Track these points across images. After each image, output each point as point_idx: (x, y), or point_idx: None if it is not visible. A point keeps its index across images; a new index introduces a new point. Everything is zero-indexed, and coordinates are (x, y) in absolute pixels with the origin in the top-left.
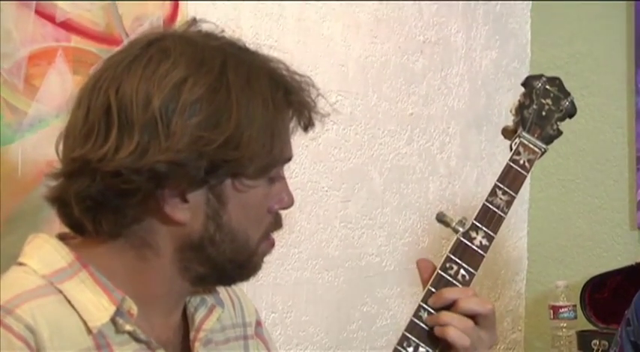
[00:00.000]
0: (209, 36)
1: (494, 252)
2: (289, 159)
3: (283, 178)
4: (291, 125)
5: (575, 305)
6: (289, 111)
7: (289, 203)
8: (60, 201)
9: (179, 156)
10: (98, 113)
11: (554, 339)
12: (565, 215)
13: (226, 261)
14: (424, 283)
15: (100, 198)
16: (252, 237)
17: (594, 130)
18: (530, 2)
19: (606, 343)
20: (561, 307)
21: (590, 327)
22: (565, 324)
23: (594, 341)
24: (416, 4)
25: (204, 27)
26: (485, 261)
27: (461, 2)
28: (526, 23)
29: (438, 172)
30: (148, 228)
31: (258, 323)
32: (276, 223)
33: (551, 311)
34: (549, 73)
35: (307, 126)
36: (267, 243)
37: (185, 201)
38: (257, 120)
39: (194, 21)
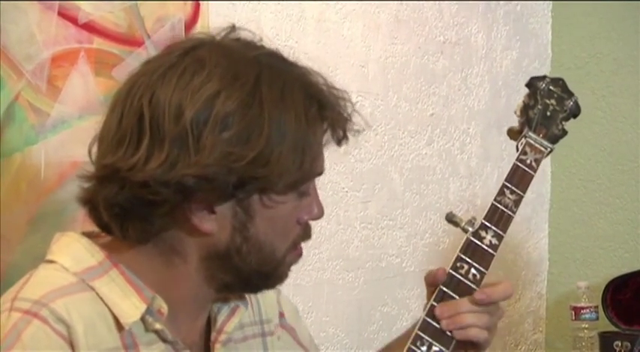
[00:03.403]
0: (247, 45)
1: (515, 252)
2: (320, 173)
3: (314, 189)
4: (325, 138)
5: (596, 306)
6: (323, 126)
7: (319, 215)
8: (90, 204)
9: (208, 171)
10: (131, 120)
11: (575, 340)
12: (586, 215)
13: (252, 271)
14: (429, 286)
15: (128, 206)
16: (279, 248)
17: (615, 130)
18: (551, 2)
19: (629, 344)
20: (583, 308)
21: (612, 328)
22: (587, 325)
23: (616, 343)
24: (436, 5)
25: (243, 35)
26: (506, 261)
27: (481, 2)
28: (547, 23)
29: (459, 173)
30: (175, 236)
31: (281, 315)
32: (305, 234)
33: (573, 313)
34: (571, 73)
35: (340, 140)
36: (294, 253)
37: (212, 212)
38: (288, 137)
39: (233, 28)
